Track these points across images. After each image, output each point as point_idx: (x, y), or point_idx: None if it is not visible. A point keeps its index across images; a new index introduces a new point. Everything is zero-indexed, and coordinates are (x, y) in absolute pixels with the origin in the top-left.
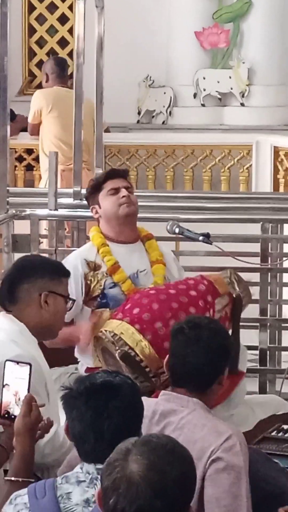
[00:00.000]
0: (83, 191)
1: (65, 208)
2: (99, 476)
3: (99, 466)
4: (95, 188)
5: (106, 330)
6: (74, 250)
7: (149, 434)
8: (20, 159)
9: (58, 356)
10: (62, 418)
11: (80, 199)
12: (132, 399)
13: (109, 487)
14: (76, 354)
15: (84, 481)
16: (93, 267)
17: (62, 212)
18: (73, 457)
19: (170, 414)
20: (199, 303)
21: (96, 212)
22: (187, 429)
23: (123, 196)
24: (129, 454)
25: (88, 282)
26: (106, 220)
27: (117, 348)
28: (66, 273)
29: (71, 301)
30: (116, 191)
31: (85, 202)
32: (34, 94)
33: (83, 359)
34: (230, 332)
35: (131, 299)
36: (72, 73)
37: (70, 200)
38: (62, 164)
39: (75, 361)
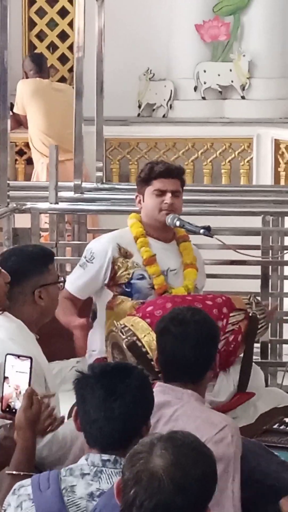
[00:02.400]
0: (84, 184)
1: (65, 201)
2: (103, 469)
3: (105, 457)
4: (144, 180)
5: (116, 322)
6: (74, 243)
7: (174, 430)
8: (20, 152)
9: (58, 349)
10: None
11: (81, 193)
12: (144, 383)
13: (130, 479)
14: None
15: (88, 474)
16: (125, 254)
17: (62, 205)
18: (77, 452)
19: (164, 406)
20: (213, 311)
21: (139, 202)
22: (181, 421)
23: (166, 203)
24: (154, 448)
25: (116, 268)
26: (146, 214)
27: (124, 337)
28: (51, 258)
29: (61, 283)
30: (162, 193)
31: (86, 195)
32: (17, 84)
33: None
34: (242, 352)
35: (148, 302)
36: (52, 66)
37: (70, 194)
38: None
39: (75, 355)
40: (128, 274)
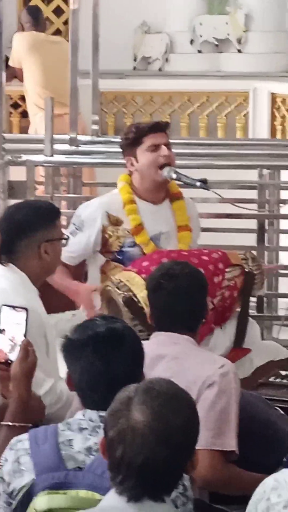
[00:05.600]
0: (80, 137)
1: (61, 154)
2: (101, 424)
3: (102, 413)
4: (134, 141)
5: (113, 277)
6: (70, 197)
7: (148, 379)
8: (15, 105)
9: (54, 302)
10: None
11: (77, 146)
12: (136, 345)
13: (114, 438)
14: None
15: (86, 428)
16: (115, 221)
17: (58, 158)
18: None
19: (163, 349)
20: (208, 266)
21: (132, 165)
22: (181, 359)
23: (164, 155)
24: (131, 403)
25: (107, 236)
26: (140, 176)
27: (120, 293)
28: (58, 214)
29: (65, 240)
30: (156, 147)
31: (81, 148)
32: (13, 37)
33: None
34: (238, 307)
35: (143, 256)
36: (47, 18)
37: (66, 147)
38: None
39: (72, 307)
40: (120, 242)
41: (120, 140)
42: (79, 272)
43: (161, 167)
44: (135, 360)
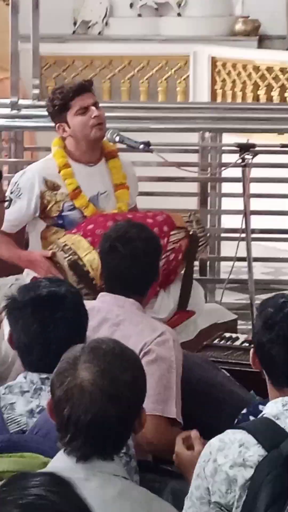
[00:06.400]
0: (21, 101)
1: (2, 118)
2: (43, 386)
3: (43, 375)
4: (63, 107)
5: (58, 240)
6: (11, 161)
7: (95, 339)
8: None
9: None
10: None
11: (18, 110)
12: (77, 309)
13: (61, 397)
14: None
15: (28, 391)
16: (52, 186)
17: None
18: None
19: (107, 311)
20: (153, 229)
21: (64, 131)
22: (122, 326)
23: (95, 116)
24: (78, 362)
25: (45, 202)
26: (74, 140)
27: (66, 256)
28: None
29: (7, 202)
30: (85, 109)
31: (22, 112)
32: None
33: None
34: (183, 269)
35: (88, 219)
36: None
37: (7, 111)
38: None
39: (15, 272)
40: (58, 207)
41: (47, 107)
42: (20, 239)
43: (97, 126)
44: (75, 324)
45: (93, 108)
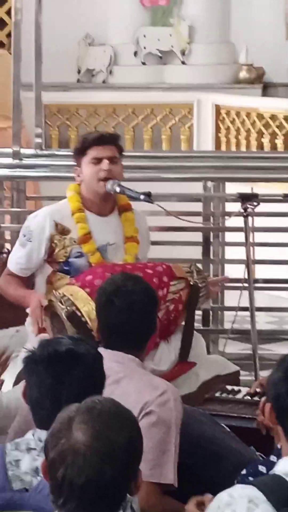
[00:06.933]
0: (23, 151)
1: (4, 168)
2: None
3: None
4: (79, 151)
5: (56, 291)
6: (13, 211)
7: (90, 398)
8: None
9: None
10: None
11: (20, 159)
12: (94, 369)
13: (55, 459)
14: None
15: (35, 449)
16: (62, 231)
17: (1, 172)
18: (22, 421)
19: (107, 370)
20: (153, 279)
21: (78, 175)
22: (122, 383)
23: (104, 170)
24: (73, 423)
25: (53, 245)
26: (86, 187)
27: (63, 307)
28: None
29: (4, 254)
30: (98, 161)
31: (24, 162)
32: None
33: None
34: (183, 321)
35: (87, 270)
36: None
37: (9, 160)
38: None
39: (16, 324)
40: (66, 252)
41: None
42: (28, 282)
43: (104, 180)
44: (89, 384)
45: (105, 161)
